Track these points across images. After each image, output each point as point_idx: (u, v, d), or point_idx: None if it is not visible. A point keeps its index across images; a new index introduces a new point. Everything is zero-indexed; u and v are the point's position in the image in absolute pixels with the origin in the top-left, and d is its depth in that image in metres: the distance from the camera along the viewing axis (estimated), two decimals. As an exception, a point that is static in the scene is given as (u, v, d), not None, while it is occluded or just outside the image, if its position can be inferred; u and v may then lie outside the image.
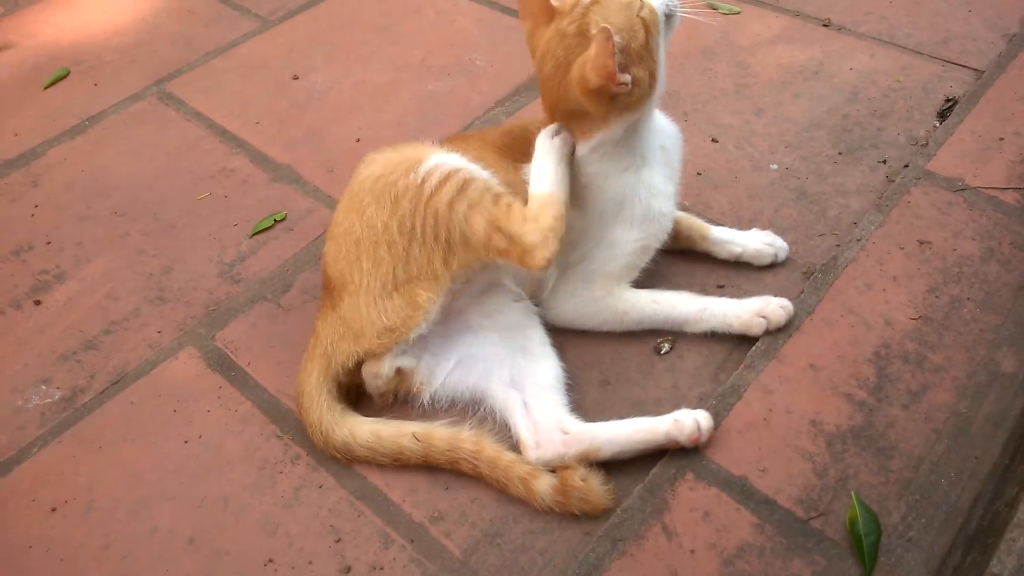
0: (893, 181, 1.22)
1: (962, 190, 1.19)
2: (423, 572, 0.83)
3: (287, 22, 1.71)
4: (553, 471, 0.87)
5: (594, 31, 0.84)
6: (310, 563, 0.85)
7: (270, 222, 1.25)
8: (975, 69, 1.41)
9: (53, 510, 0.91)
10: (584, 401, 0.96)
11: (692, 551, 0.83)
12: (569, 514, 0.85)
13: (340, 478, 0.91)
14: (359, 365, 0.92)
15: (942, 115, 1.33)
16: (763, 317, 0.99)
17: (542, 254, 0.85)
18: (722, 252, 1.10)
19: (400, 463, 0.89)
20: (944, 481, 0.87)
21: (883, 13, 1.57)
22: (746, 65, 1.47)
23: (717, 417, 0.92)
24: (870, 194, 1.21)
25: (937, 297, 1.05)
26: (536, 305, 1.01)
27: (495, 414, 0.93)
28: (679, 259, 1.11)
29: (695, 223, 1.10)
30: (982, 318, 1.02)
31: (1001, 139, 1.27)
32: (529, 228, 0.86)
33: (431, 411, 0.95)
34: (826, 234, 1.15)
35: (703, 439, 0.89)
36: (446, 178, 0.86)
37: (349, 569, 0.84)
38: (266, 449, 0.95)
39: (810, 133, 1.32)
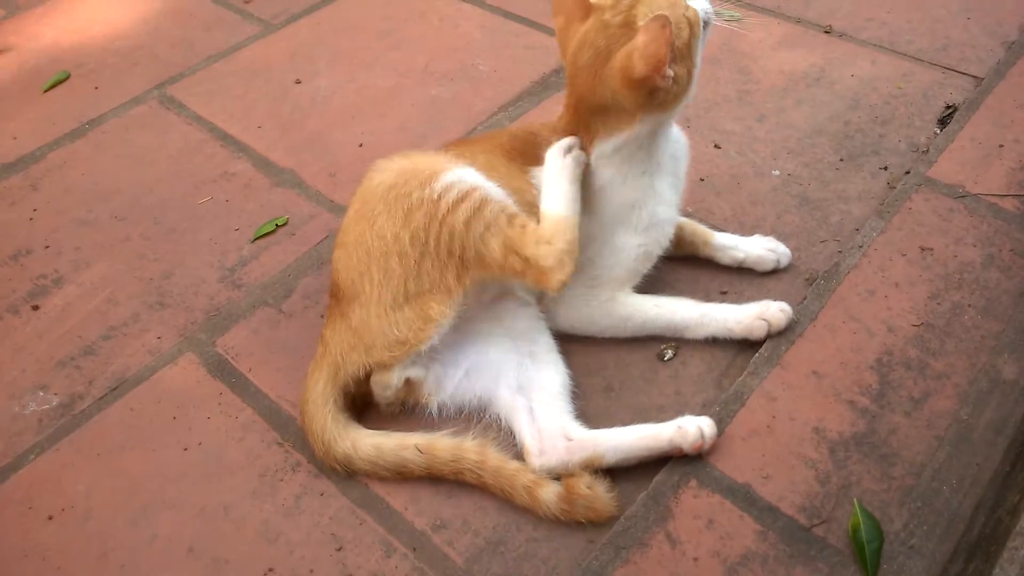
0: (894, 188, 1.23)
1: (963, 197, 1.20)
2: (425, 580, 0.83)
3: (290, 26, 1.70)
4: (558, 479, 0.87)
5: (641, 23, 0.84)
6: (311, 572, 0.84)
7: (272, 227, 1.24)
8: (975, 76, 1.42)
9: (50, 518, 0.91)
10: (588, 407, 0.96)
11: (696, 559, 0.82)
12: (574, 522, 0.85)
13: (341, 486, 0.91)
14: (368, 375, 0.91)
15: (942, 122, 1.34)
16: (764, 320, 0.99)
17: (558, 277, 0.86)
18: (725, 258, 1.10)
19: (403, 476, 0.89)
20: (946, 488, 0.87)
21: (884, 20, 1.58)
22: (748, 71, 1.48)
23: (720, 424, 0.92)
24: (872, 200, 1.21)
25: (939, 304, 1.05)
26: (541, 311, 1.00)
27: (500, 420, 0.92)
28: (682, 265, 1.11)
29: (698, 229, 1.11)
30: (983, 325, 1.02)
31: (1001, 146, 1.27)
32: (544, 252, 0.86)
33: (437, 419, 0.94)
34: (828, 240, 1.15)
35: (706, 447, 0.89)
36: (464, 196, 0.86)
37: (351, 577, 0.83)
38: (267, 456, 0.95)
39: (812, 139, 1.33)
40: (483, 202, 0.86)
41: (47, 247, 1.25)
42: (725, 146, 1.33)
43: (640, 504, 0.87)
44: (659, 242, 1.00)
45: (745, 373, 0.98)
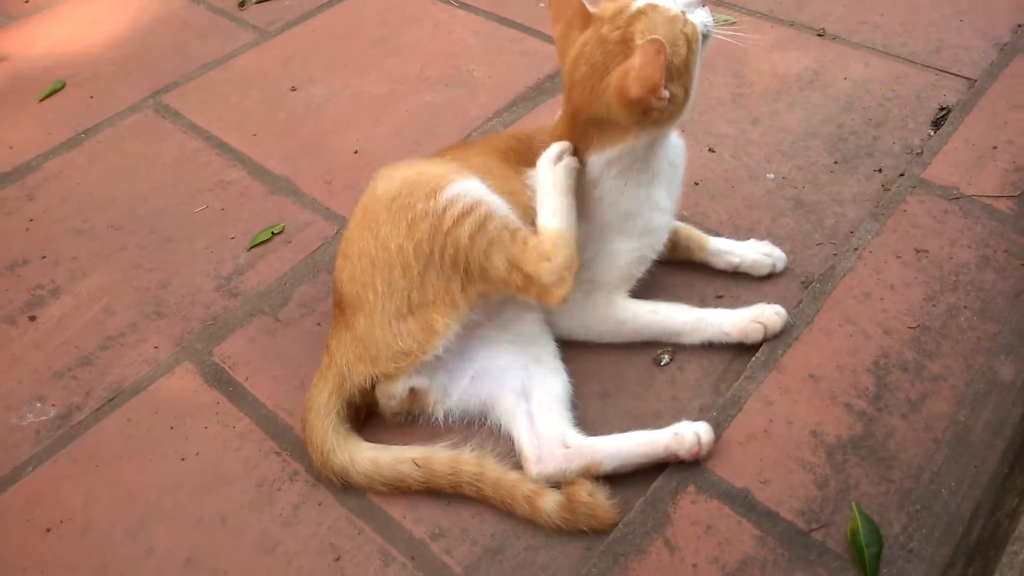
0: (889, 190, 1.23)
1: (957, 198, 1.20)
2: (424, 589, 0.82)
3: (284, 33, 1.71)
4: (557, 487, 0.86)
5: (639, 41, 0.83)
6: (310, 581, 0.84)
7: (268, 235, 1.24)
8: (968, 78, 1.42)
9: (48, 531, 0.90)
10: (584, 413, 0.95)
11: (694, 565, 0.82)
12: (575, 530, 0.84)
13: (339, 495, 0.91)
14: (374, 386, 0.91)
15: (936, 124, 1.34)
16: (760, 324, 0.99)
17: (559, 293, 0.86)
18: (720, 263, 1.10)
19: (401, 490, 0.88)
20: (944, 491, 0.87)
21: (877, 22, 1.58)
22: (742, 75, 1.48)
23: (718, 429, 0.92)
24: (866, 203, 1.21)
25: (934, 306, 1.06)
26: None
27: (500, 427, 0.92)
28: (678, 270, 1.11)
29: (693, 234, 1.11)
30: (979, 326, 1.03)
31: (994, 147, 1.28)
32: (545, 269, 0.86)
33: (441, 428, 0.94)
34: (823, 243, 1.16)
35: (703, 453, 0.89)
36: (469, 210, 0.86)
37: (349, 587, 0.83)
38: (264, 466, 0.94)
39: (806, 142, 1.33)
40: (487, 217, 0.86)
41: (44, 257, 1.25)
42: (719, 150, 1.33)
43: (638, 510, 0.87)
44: (653, 247, 1.00)
45: (742, 377, 0.98)
